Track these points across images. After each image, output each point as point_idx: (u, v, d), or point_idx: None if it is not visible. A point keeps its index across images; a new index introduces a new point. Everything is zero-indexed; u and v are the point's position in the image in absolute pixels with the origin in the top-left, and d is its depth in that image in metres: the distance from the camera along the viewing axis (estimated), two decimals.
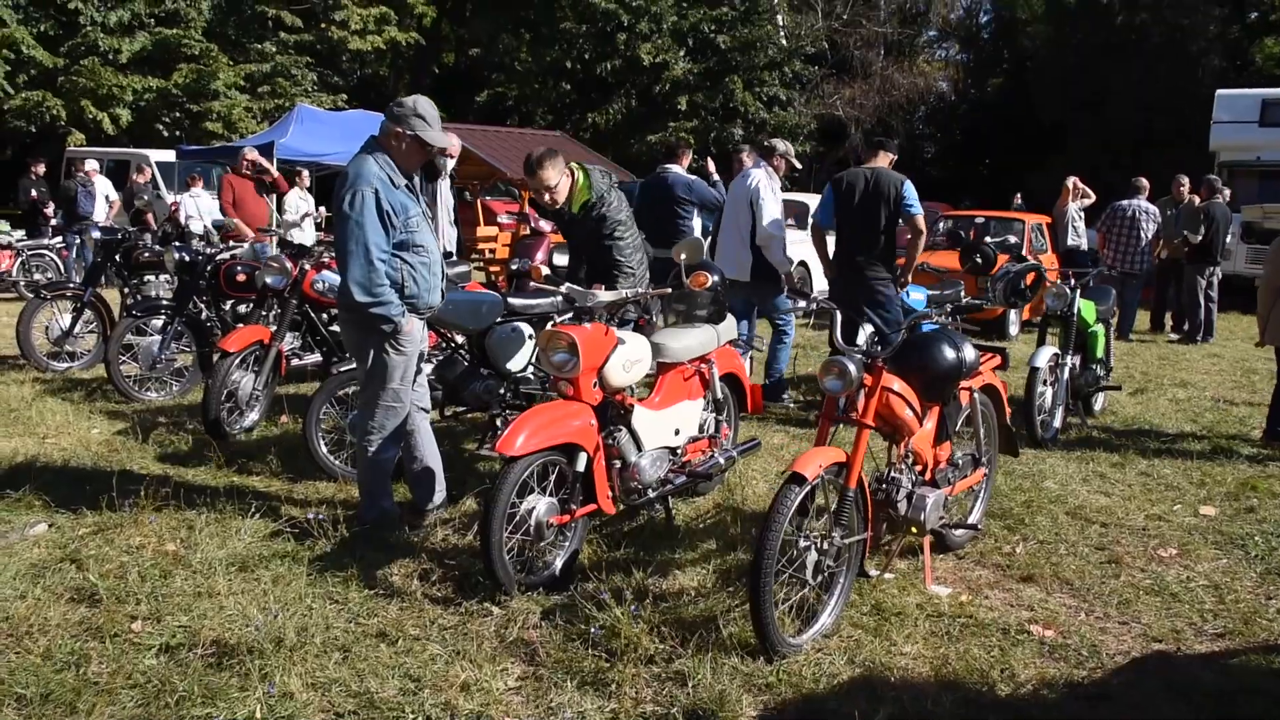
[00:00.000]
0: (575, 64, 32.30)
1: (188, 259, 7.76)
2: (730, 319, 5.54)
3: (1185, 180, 13.57)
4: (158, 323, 7.75)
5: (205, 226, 13.05)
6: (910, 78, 32.84)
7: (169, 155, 19.88)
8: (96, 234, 8.90)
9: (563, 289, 4.71)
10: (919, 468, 4.57)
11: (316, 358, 7.37)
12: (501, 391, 6.11)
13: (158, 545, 4.60)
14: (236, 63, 25.99)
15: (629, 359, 4.62)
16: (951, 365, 4.47)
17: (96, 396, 7.68)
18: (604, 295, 4.59)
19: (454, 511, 5.27)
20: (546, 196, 5.41)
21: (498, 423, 6.22)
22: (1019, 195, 27.68)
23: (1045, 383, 7.20)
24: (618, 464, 4.65)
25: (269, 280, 6.54)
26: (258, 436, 6.61)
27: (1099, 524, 5.48)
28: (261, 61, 26.78)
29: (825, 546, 3.96)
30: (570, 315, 6.27)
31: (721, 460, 5.34)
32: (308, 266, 6.63)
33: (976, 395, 4.95)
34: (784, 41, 32.68)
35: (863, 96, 32.35)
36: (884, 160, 7.41)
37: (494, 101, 36.03)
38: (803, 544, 3.87)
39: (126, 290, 9.14)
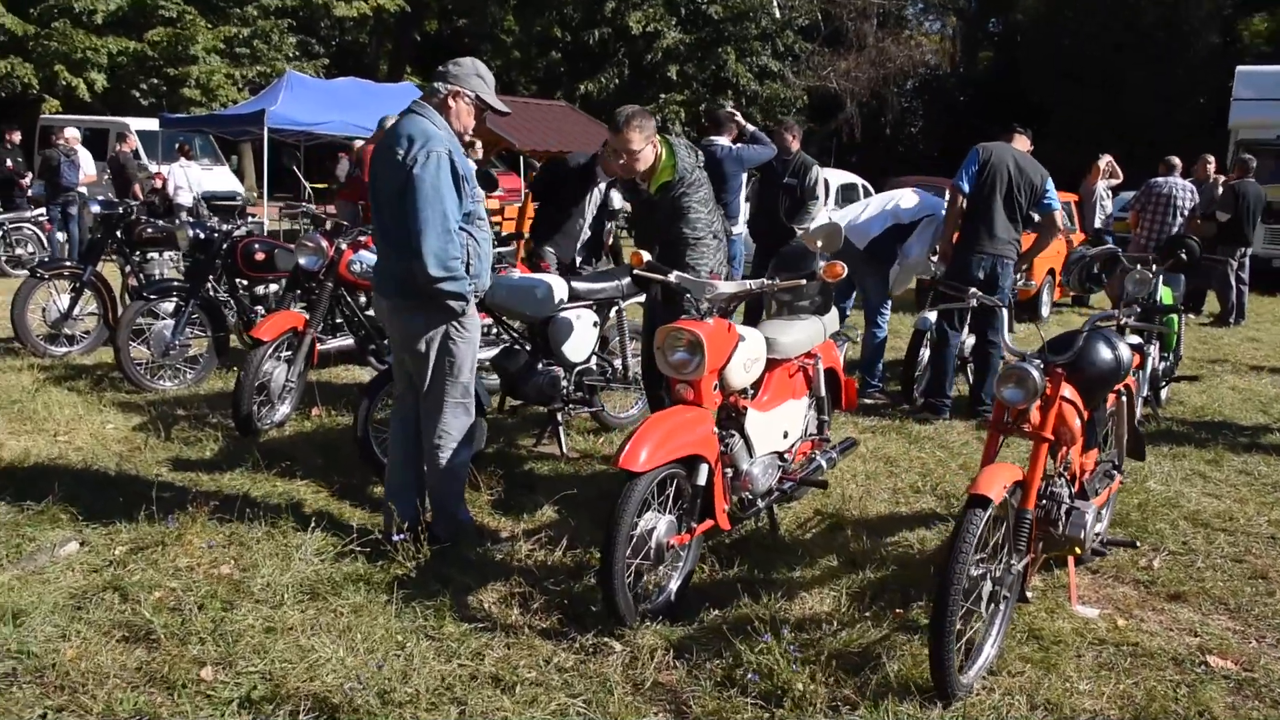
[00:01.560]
0: (564, 32, 31.55)
1: (202, 236, 7.12)
2: (834, 310, 5.01)
3: (1211, 159, 13.15)
4: (169, 305, 7.11)
5: (194, 198, 12.36)
6: (906, 50, 32.28)
7: (151, 123, 19.05)
8: (96, 207, 8.22)
9: (672, 276, 4.15)
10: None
11: (346, 341, 6.77)
12: (564, 384, 5.58)
13: (209, 568, 4.02)
14: (215, 26, 25.00)
15: (749, 357, 4.08)
16: (1113, 367, 3.98)
17: (104, 385, 7.04)
18: (725, 286, 4.02)
19: (531, 520, 4.73)
20: (622, 160, 4.79)
21: (558, 418, 5.70)
22: None
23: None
24: (729, 473, 4.12)
25: (303, 261, 5.93)
26: (290, 431, 6.02)
27: (1224, 531, 5.04)
28: (242, 25, 25.80)
29: (999, 574, 3.47)
30: (639, 299, 5.77)
31: (824, 464, 4.83)
32: (344, 246, 6.02)
33: (1123, 398, 4.46)
34: (777, 13, 32.02)
35: (856, 69, 31.78)
36: (1023, 144, 6.92)
37: None
38: (975, 572, 3.36)
39: (128, 269, 8.45)
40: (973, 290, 4.06)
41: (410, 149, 3.92)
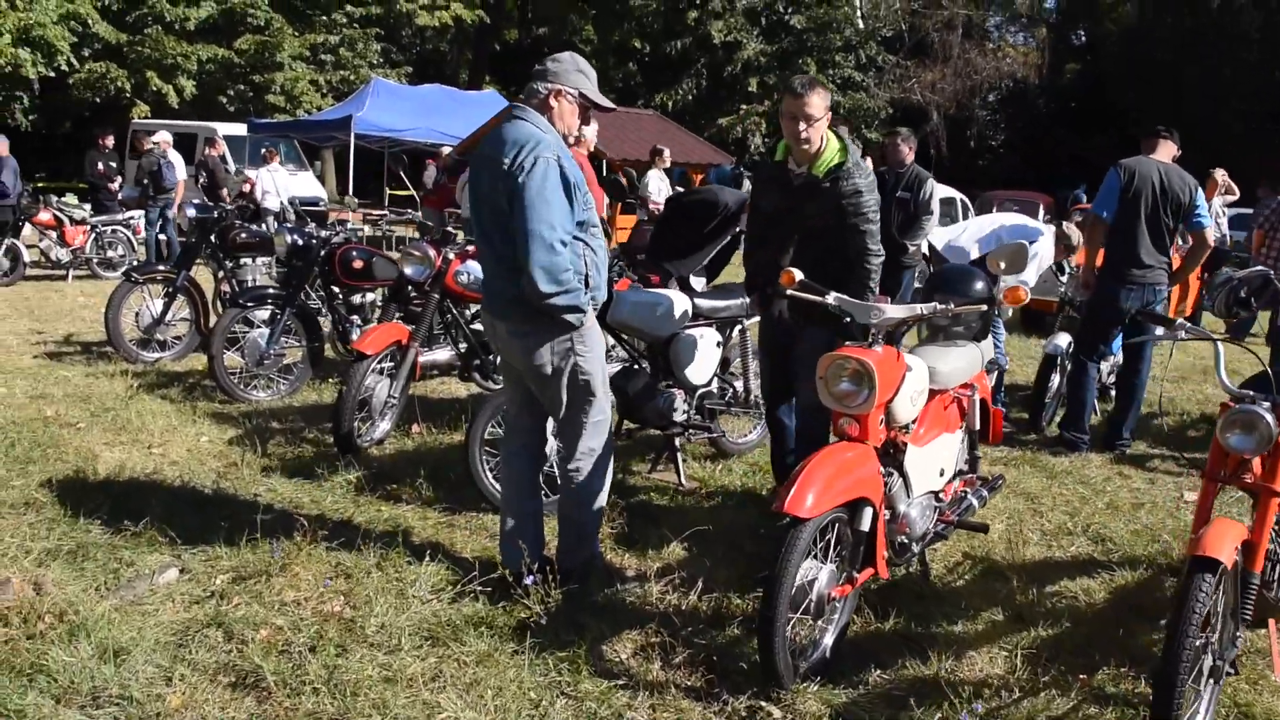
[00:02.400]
0: (644, 43, 31.33)
1: (300, 243, 6.88)
2: (990, 336, 4.56)
3: None
4: (263, 313, 6.87)
5: (281, 203, 12.23)
6: (993, 61, 31.50)
7: (238, 128, 19.12)
8: (192, 211, 8.04)
9: (830, 297, 3.74)
10: None
11: (447, 354, 6.46)
12: (684, 408, 5.20)
13: (318, 604, 3.70)
14: (302, 34, 25.17)
15: (916, 389, 3.66)
16: None
17: (196, 394, 6.83)
18: (893, 310, 3.60)
19: (658, 557, 4.35)
20: (801, 125, 4.31)
21: (676, 443, 5.32)
22: (1083, 187, 26.43)
23: None
24: (886, 515, 3.70)
25: (409, 271, 5.63)
26: (391, 449, 5.72)
27: None
28: (328, 33, 25.96)
29: (1221, 646, 3.01)
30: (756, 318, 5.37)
31: (975, 503, 4.38)
32: (451, 255, 5.70)
33: None
34: (860, 24, 31.47)
35: (942, 80, 31.07)
36: (1168, 153, 6.35)
37: None
38: (1197, 642, 2.90)
39: (221, 275, 8.28)
40: (1180, 321, 3.59)
41: (516, 156, 3.56)
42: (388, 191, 23.57)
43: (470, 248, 5.82)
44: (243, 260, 8.22)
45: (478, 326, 5.92)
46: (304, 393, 6.94)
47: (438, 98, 18.94)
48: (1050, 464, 6.13)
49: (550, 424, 4.10)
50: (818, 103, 4.27)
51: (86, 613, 3.51)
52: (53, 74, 22.71)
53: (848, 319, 3.68)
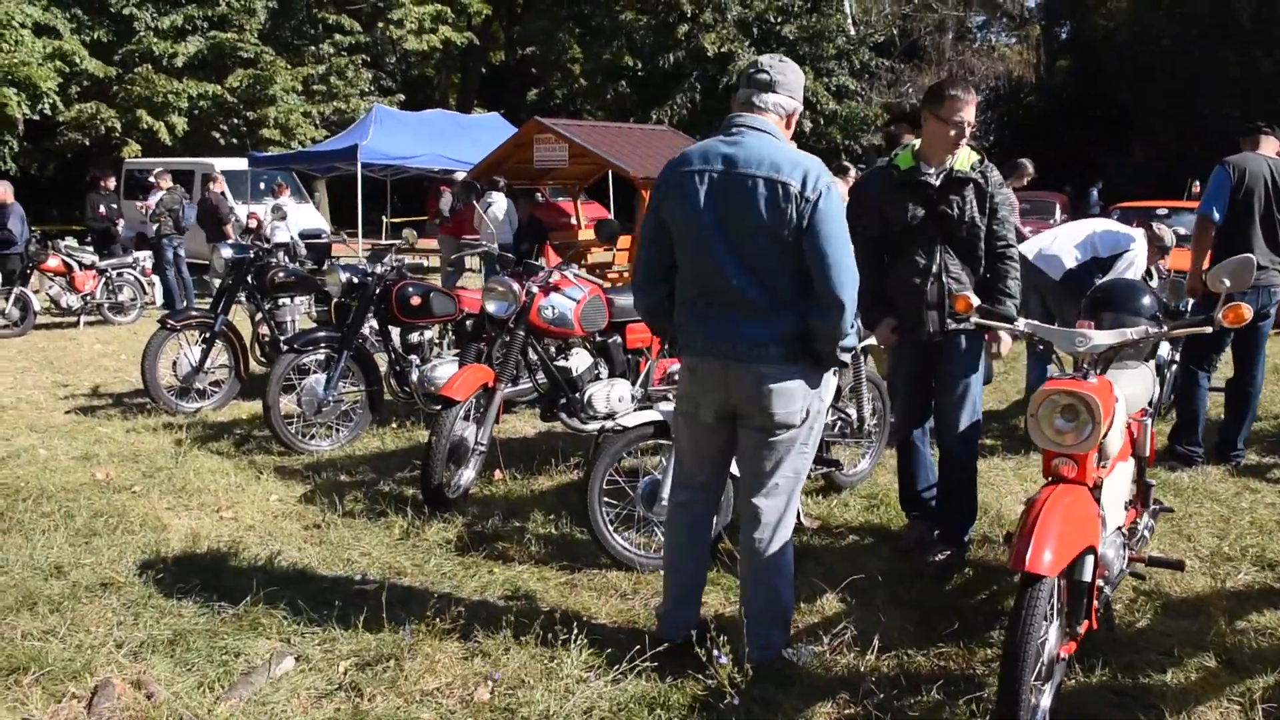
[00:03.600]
0: (635, 59, 31.04)
1: (355, 280, 6.47)
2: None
3: None
4: (317, 357, 6.46)
5: (291, 237, 11.83)
6: (987, 62, 31.32)
7: (235, 163, 18.67)
8: (228, 252, 7.61)
9: (1020, 324, 3.36)
10: None
11: (523, 388, 6.06)
12: None
13: (463, 692, 3.29)
14: (293, 65, 24.75)
15: (1120, 420, 3.29)
16: None
17: (250, 446, 6.40)
18: (1101, 336, 3.21)
19: (813, 609, 3.95)
20: (952, 132, 4.05)
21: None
22: (1099, 185, 26.24)
23: None
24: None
25: (491, 308, 5.22)
26: (477, 499, 5.30)
27: None
28: (317, 63, 25.55)
29: None
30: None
31: (1146, 534, 4.01)
32: (535, 289, 5.30)
33: None
34: (852, 30, 31.26)
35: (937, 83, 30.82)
36: (1271, 148, 6.00)
37: (543, 100, 34.78)
38: None
39: (260, 317, 7.86)
40: None
41: (806, 179, 3.12)
42: (385, 220, 23.20)
43: (555, 278, 5.42)
44: (281, 301, 7.82)
45: (560, 362, 5.52)
46: (365, 439, 6.52)
47: (441, 123, 18.55)
48: (1171, 481, 5.77)
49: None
50: (970, 103, 4.13)
51: (206, 718, 3.09)
52: (38, 117, 22.24)
53: (1040, 345, 3.30)
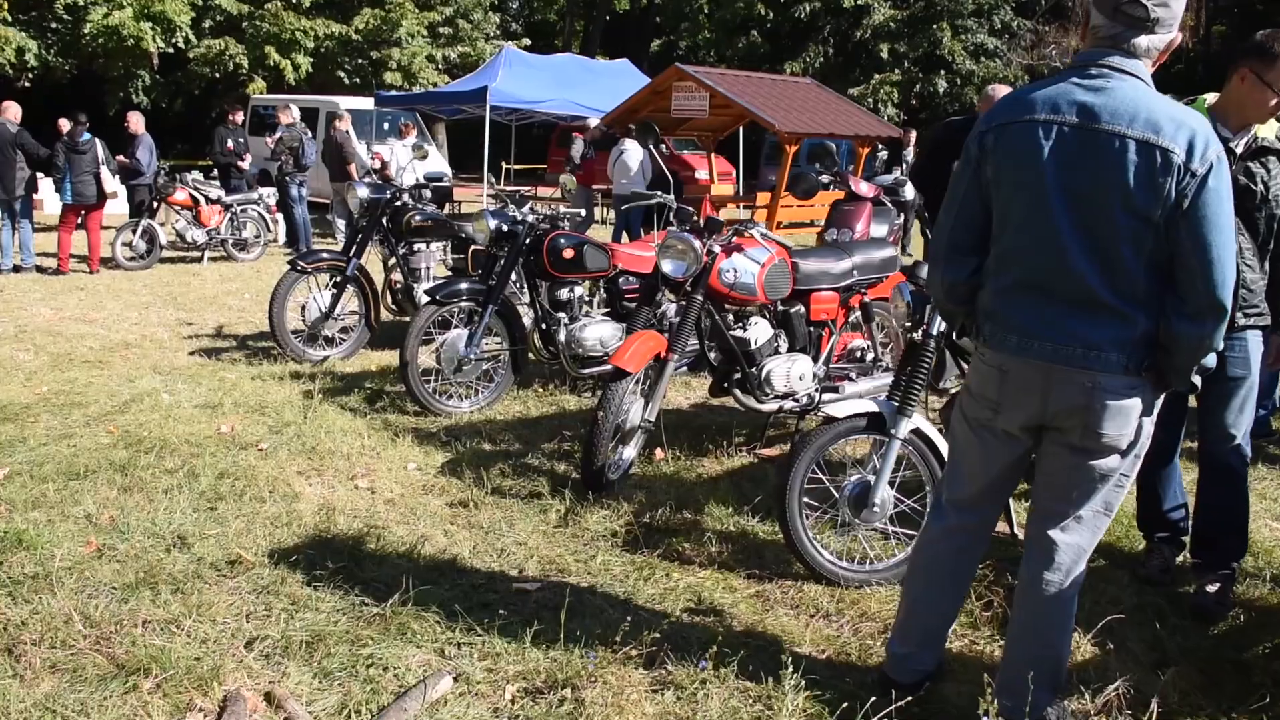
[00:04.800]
0: (767, 9, 29.88)
1: (506, 228, 5.86)
2: None
3: None
4: (459, 310, 5.88)
5: (417, 179, 11.37)
6: None
7: (362, 102, 18.34)
8: (365, 192, 7.10)
9: None
10: None
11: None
12: None
13: None
14: (420, 9, 24.35)
15: None
16: None
17: (382, 405, 5.89)
18: None
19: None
20: (1274, 101, 3.26)
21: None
22: None
23: None
24: None
25: (668, 268, 4.54)
26: (638, 483, 4.67)
27: None
28: (444, 5, 25.11)
29: None
30: None
31: None
32: (717, 249, 4.61)
33: None
34: None
35: (1083, 45, 28.98)
36: None
37: (666, 50, 33.87)
38: None
39: (394, 262, 7.34)
40: None
41: (1192, 146, 2.33)
42: (505, 167, 22.72)
43: (738, 239, 4.72)
44: (416, 246, 7.28)
45: (738, 332, 4.83)
46: (505, 402, 5.95)
47: (571, 68, 17.89)
48: None
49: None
50: None
51: None
52: (171, 50, 22.29)
53: None
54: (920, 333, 3.74)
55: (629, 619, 3.28)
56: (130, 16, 20.55)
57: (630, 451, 4.66)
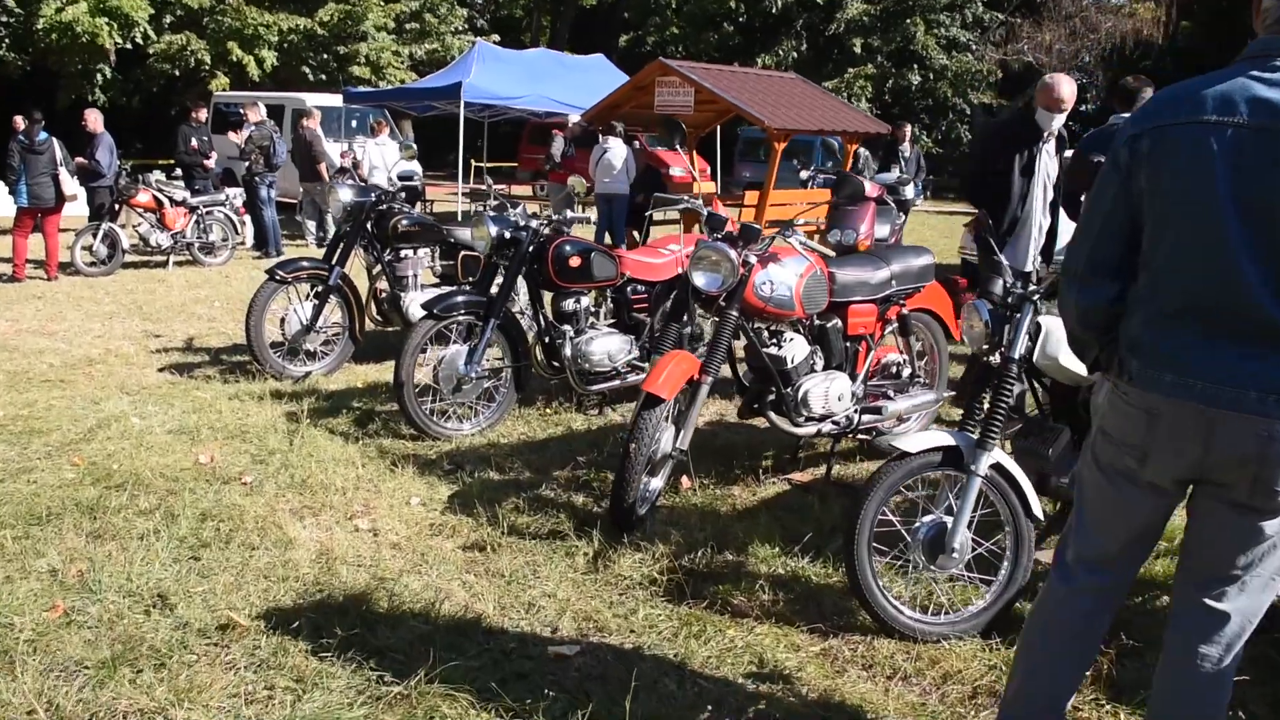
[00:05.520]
0: (738, 3, 29.52)
1: (508, 235, 5.40)
2: None
3: None
4: (457, 324, 5.42)
5: (390, 178, 10.91)
6: (1115, 20, 29.26)
7: (330, 99, 17.74)
8: (348, 194, 6.59)
9: None
10: None
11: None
12: None
13: None
14: (385, 1, 23.72)
15: None
16: None
17: (374, 428, 5.41)
18: None
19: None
20: None
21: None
22: None
23: None
24: None
25: (701, 281, 4.10)
26: (666, 516, 4.24)
27: None
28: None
29: None
30: None
31: None
32: (753, 259, 4.17)
33: None
34: None
35: (1059, 41, 28.88)
36: None
37: (634, 45, 33.39)
38: None
39: (378, 269, 6.85)
40: None
41: None
42: (474, 165, 22.16)
43: (774, 247, 4.29)
44: (403, 252, 6.80)
45: (773, 350, 4.41)
46: (508, 423, 5.50)
47: (546, 63, 17.35)
48: None
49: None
50: None
51: None
52: (129, 46, 21.54)
53: None
54: (999, 356, 3.35)
55: (689, 690, 2.86)
56: (85, 11, 19.79)
57: (658, 482, 4.22)
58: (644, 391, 3.90)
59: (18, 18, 20.98)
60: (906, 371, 5.05)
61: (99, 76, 21.80)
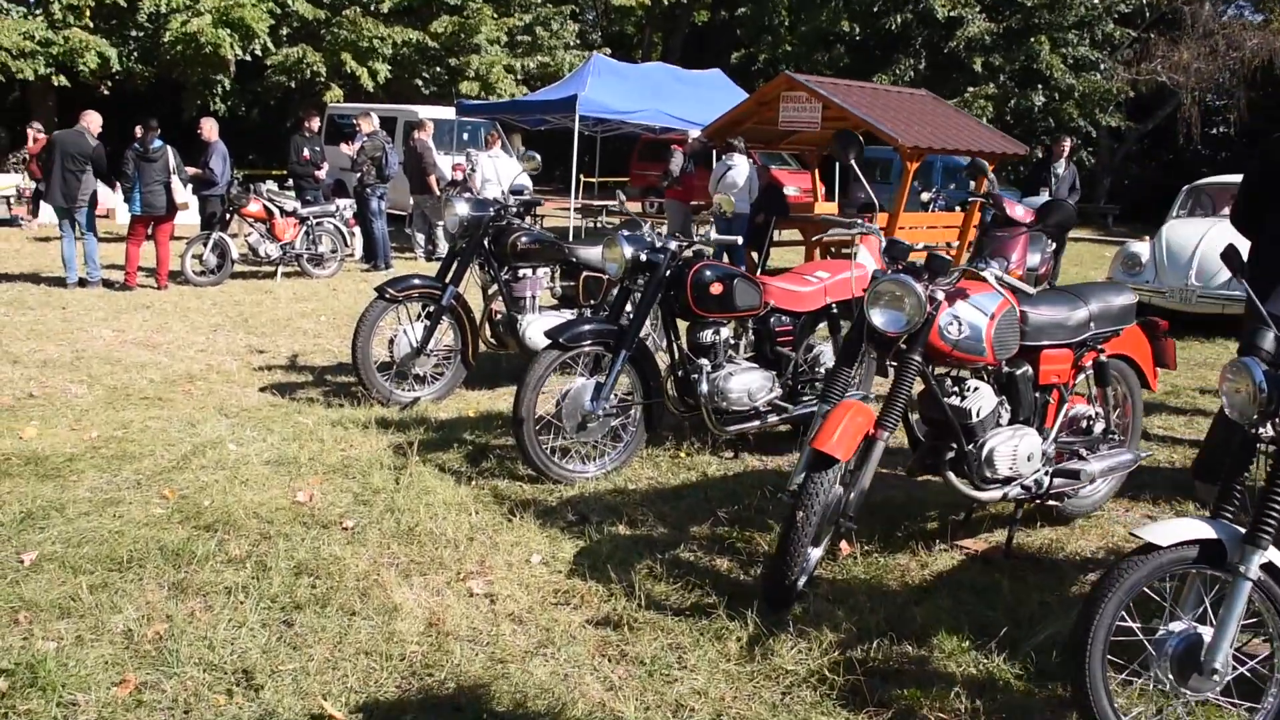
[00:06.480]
0: (852, 23, 28.74)
1: (644, 257, 4.84)
2: None
3: None
4: (583, 355, 4.88)
5: (502, 192, 10.46)
6: (1261, 36, 27.60)
7: (443, 112, 17.53)
8: (464, 209, 6.12)
9: None
10: None
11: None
12: None
13: None
14: (499, 15, 23.59)
15: None
16: None
17: (488, 466, 4.90)
18: None
19: None
20: None
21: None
22: None
23: None
24: None
25: (881, 320, 3.46)
26: (828, 587, 3.62)
27: None
28: (523, 13, 24.34)
29: None
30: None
31: None
32: (940, 296, 3.53)
33: None
34: None
35: (1197, 60, 27.34)
36: None
37: (746, 63, 32.78)
38: None
39: (494, 289, 6.37)
40: None
41: None
42: (583, 180, 21.80)
43: (963, 281, 3.65)
44: (521, 272, 6.30)
45: (955, 401, 3.76)
46: (635, 465, 4.94)
47: (662, 77, 16.88)
48: None
49: None
50: None
51: None
52: (249, 58, 21.78)
53: None
54: (1273, 427, 2.66)
55: None
56: (209, 24, 20.03)
57: (818, 551, 3.61)
58: (812, 449, 3.29)
59: (147, 31, 21.37)
60: (1099, 427, 4.32)
61: (219, 88, 22.07)
